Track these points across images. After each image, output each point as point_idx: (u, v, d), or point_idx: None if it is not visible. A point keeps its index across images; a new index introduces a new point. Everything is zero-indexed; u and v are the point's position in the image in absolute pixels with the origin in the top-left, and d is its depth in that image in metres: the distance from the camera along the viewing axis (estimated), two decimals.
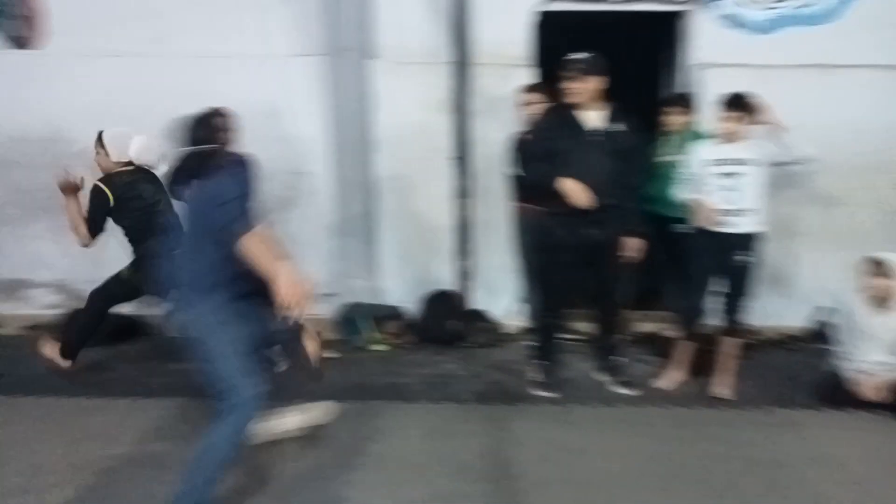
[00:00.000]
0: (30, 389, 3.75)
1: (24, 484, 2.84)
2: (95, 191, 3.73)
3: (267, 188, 3.99)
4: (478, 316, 4.61)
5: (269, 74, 4.48)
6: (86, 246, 3.79)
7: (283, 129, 4.45)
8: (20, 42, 4.49)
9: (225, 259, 2.43)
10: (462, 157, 4.49)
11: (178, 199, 2.68)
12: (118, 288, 3.90)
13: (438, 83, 4.48)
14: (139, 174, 3.85)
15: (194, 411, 3.52)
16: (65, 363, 3.88)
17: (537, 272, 3.85)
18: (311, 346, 2.93)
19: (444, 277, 4.67)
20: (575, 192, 3.40)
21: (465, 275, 4.63)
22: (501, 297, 4.61)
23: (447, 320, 4.50)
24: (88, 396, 3.69)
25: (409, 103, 4.52)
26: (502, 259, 4.44)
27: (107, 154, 3.81)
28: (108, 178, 3.76)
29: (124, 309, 4.69)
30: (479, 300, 4.68)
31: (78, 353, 3.92)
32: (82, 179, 3.76)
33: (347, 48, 4.45)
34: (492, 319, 4.65)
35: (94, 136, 3.85)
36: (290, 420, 3.15)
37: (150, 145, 3.79)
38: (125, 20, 4.44)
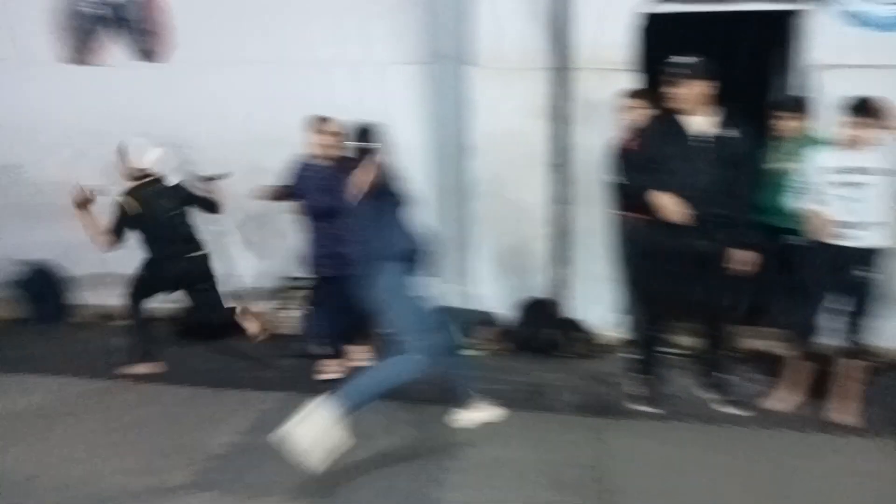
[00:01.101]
0: (154, 377, 4.06)
1: (148, 465, 3.06)
2: (118, 203, 3.95)
3: None
4: (574, 325, 4.55)
5: (370, 82, 4.61)
6: (107, 251, 4.04)
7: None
8: (147, 55, 4.85)
9: (402, 237, 3.13)
10: (560, 163, 4.44)
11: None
12: (148, 291, 4.14)
13: (536, 89, 4.45)
14: (157, 185, 4.04)
15: (296, 406, 3.69)
16: (152, 366, 4.13)
17: (639, 283, 3.75)
18: None
19: (540, 285, 4.63)
20: (668, 206, 3.29)
21: (561, 283, 4.58)
22: (599, 306, 4.52)
23: (543, 328, 4.47)
24: (202, 386, 3.95)
25: (506, 110, 4.53)
26: (600, 268, 4.35)
27: (127, 163, 4.01)
28: (130, 191, 3.96)
29: (231, 305, 4.99)
30: (576, 309, 4.61)
31: (151, 353, 4.16)
32: (93, 192, 3.92)
33: (446, 56, 4.50)
34: (588, 329, 4.57)
35: (117, 146, 4.05)
36: (468, 415, 3.38)
37: (166, 156, 4.04)
38: (240, 32, 4.70)
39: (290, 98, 4.60)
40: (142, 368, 4.12)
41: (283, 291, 4.95)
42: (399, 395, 3.74)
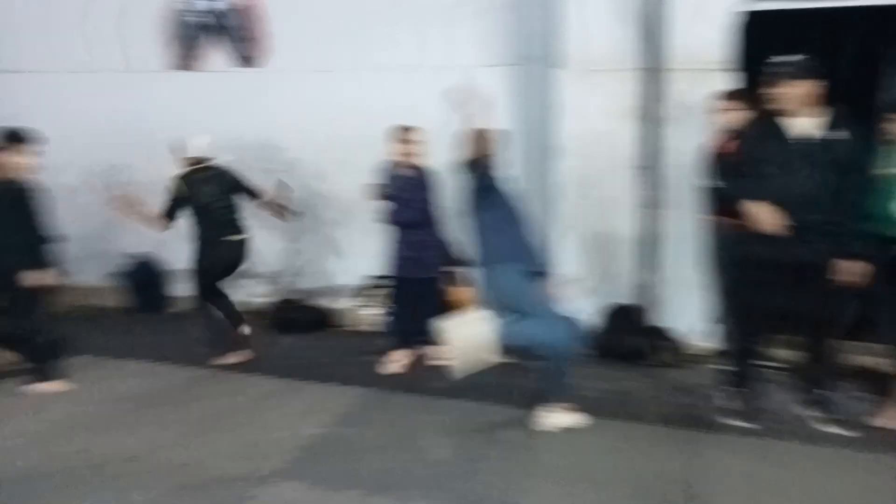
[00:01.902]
0: (246, 368, 4.25)
1: (239, 452, 3.18)
2: (170, 186, 4.22)
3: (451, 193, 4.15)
4: (661, 333, 4.40)
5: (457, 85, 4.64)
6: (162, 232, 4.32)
7: None
8: (247, 61, 5.09)
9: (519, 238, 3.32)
10: (650, 166, 4.33)
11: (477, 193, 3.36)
12: (206, 277, 4.34)
13: (626, 90, 4.36)
14: (205, 172, 4.25)
15: (378, 401, 3.77)
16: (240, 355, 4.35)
17: (734, 291, 3.59)
18: None
19: (625, 290, 4.52)
20: (763, 216, 3.13)
21: (649, 289, 4.45)
22: (688, 314, 4.35)
23: (628, 335, 4.35)
24: (290, 378, 4.09)
25: (595, 111, 4.45)
26: (691, 274, 4.19)
27: (180, 152, 4.27)
28: (181, 176, 4.22)
29: (321, 301, 5.16)
30: (664, 317, 4.46)
31: (236, 343, 4.37)
32: (138, 197, 4.20)
33: (532, 58, 4.48)
34: (676, 338, 4.41)
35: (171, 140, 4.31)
36: (551, 418, 3.38)
37: (209, 145, 4.30)
38: (333, 38, 4.87)
39: (377, 102, 4.72)
40: (231, 358, 4.31)
41: (366, 290, 5.05)
42: (481, 394, 3.77)
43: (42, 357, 3.87)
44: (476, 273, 3.42)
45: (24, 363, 3.90)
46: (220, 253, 4.30)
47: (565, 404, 3.43)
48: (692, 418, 3.53)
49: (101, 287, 5.54)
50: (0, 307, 3.90)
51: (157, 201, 4.26)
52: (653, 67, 4.28)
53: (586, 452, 3.19)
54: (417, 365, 4.33)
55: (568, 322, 3.32)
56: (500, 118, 4.57)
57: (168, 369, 4.25)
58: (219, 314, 4.43)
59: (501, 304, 3.31)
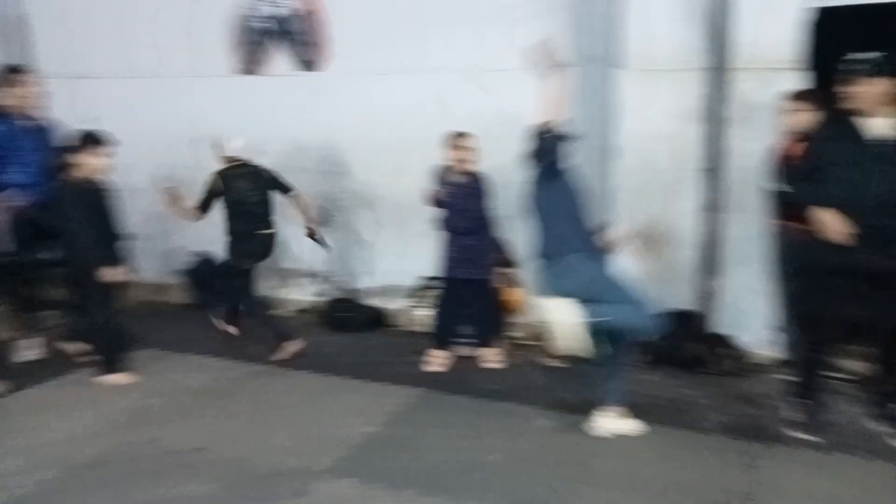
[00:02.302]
0: (301, 365, 4.32)
1: (295, 447, 3.25)
2: (206, 182, 4.43)
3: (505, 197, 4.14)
4: (721, 341, 4.26)
5: (512, 86, 4.62)
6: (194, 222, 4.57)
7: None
8: (308, 65, 5.20)
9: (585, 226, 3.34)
10: (713, 168, 4.20)
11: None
12: (236, 267, 4.52)
13: (689, 91, 4.25)
14: (241, 169, 4.46)
15: (430, 401, 3.79)
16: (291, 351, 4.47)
17: (800, 299, 3.44)
18: None
19: (684, 296, 4.40)
20: (831, 224, 3.00)
21: (709, 295, 4.32)
22: (751, 322, 4.21)
23: (687, 342, 4.23)
24: (345, 376, 4.15)
25: (655, 112, 4.36)
26: (754, 281, 4.05)
27: (219, 151, 4.46)
28: (218, 172, 4.40)
29: (374, 301, 5.23)
30: (725, 324, 4.33)
31: (287, 337, 4.50)
32: (181, 193, 4.41)
33: (591, 58, 4.41)
34: (738, 346, 4.27)
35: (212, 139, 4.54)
36: (607, 423, 3.37)
37: (247, 145, 4.52)
38: (392, 42, 4.91)
39: (435, 104, 4.75)
40: (284, 353, 4.41)
41: (419, 290, 5.09)
42: (534, 397, 3.75)
43: (112, 350, 4.04)
44: (542, 265, 3.35)
45: (95, 355, 4.08)
46: (252, 245, 4.51)
47: (621, 410, 3.38)
48: (753, 429, 3.41)
49: (166, 283, 5.75)
50: (76, 302, 4.11)
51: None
52: (717, 67, 4.15)
53: (641, 460, 3.13)
54: (468, 365, 4.33)
55: (643, 304, 3.27)
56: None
57: (227, 364, 4.37)
58: (257, 309, 4.63)
59: (575, 293, 3.24)
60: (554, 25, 4.49)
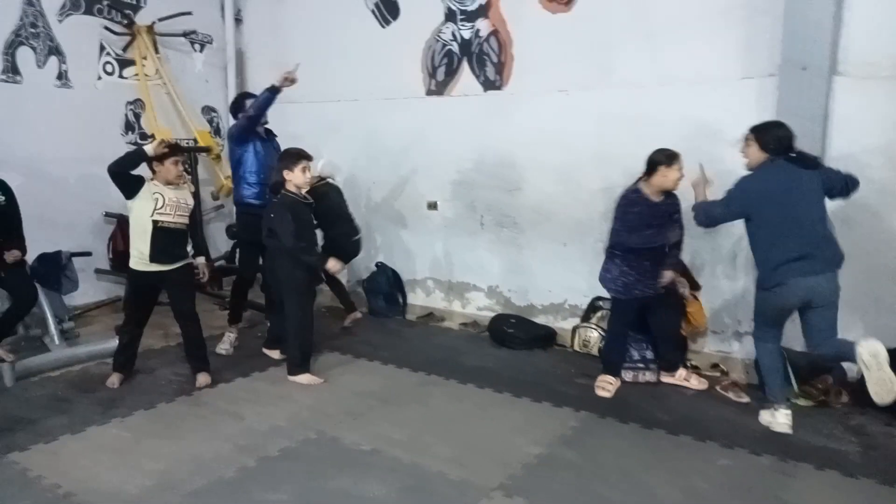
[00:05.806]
0: (463, 378, 4.39)
1: (459, 458, 3.29)
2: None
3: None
4: None
5: (714, 98, 4.36)
6: None
7: (722, 153, 4.19)
8: (492, 84, 5.33)
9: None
10: None
11: None
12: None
13: None
14: (326, 187, 4.87)
15: (598, 426, 3.67)
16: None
17: None
18: None
19: None
20: None
21: None
22: None
23: None
24: (508, 393, 4.14)
25: (874, 123, 3.88)
26: None
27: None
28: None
29: (542, 319, 5.18)
30: None
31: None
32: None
33: (801, 65, 3.99)
34: None
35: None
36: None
37: (331, 165, 5.18)
38: (573, 59, 4.88)
39: (630, 118, 4.65)
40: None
41: (590, 311, 4.96)
42: (707, 432, 3.48)
43: (302, 352, 4.37)
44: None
45: (286, 356, 4.46)
46: (347, 248, 4.85)
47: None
48: None
49: (350, 292, 6.15)
50: (279, 308, 4.47)
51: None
52: None
53: None
54: (634, 391, 4.15)
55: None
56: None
57: (400, 372, 4.54)
58: None
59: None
60: (756, 32, 4.17)
